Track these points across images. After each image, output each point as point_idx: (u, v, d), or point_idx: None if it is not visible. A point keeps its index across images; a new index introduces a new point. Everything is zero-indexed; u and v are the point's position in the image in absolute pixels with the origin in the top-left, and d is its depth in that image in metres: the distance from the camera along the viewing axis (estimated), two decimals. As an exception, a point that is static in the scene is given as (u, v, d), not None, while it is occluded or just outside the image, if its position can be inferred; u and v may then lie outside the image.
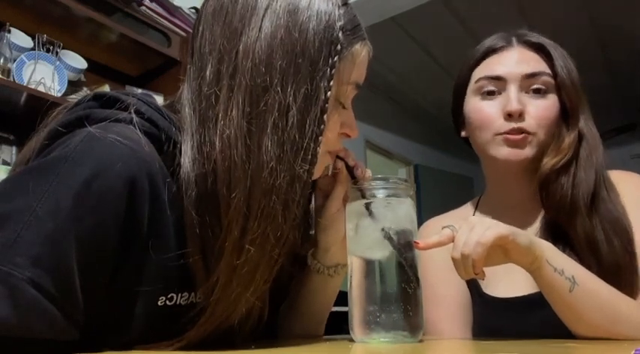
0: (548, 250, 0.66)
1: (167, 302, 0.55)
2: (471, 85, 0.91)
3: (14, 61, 1.69)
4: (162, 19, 2.12)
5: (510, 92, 0.84)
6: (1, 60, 1.68)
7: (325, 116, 0.57)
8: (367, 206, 0.62)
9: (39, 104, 1.69)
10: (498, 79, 0.86)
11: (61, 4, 1.75)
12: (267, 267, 0.55)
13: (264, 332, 0.73)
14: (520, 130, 0.83)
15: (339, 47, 0.58)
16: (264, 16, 0.56)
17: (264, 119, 0.54)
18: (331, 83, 0.57)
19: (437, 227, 0.78)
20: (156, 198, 0.53)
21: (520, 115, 0.83)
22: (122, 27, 1.93)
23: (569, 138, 0.82)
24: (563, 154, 0.81)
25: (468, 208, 1.00)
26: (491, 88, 0.87)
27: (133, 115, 0.55)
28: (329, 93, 0.57)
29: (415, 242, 0.62)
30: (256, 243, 0.53)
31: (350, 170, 0.67)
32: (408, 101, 4.81)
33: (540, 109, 0.84)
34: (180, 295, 0.56)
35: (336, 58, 0.57)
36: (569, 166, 0.81)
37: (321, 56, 0.56)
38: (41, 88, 1.71)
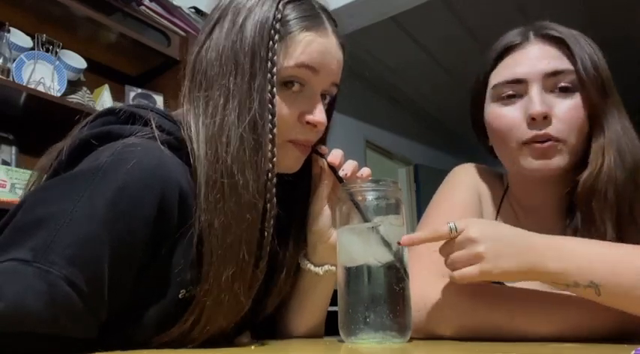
0: (551, 272, 0.59)
1: (186, 295, 0.57)
2: (489, 92, 0.82)
3: (14, 60, 1.69)
4: (161, 19, 2.12)
5: (533, 93, 0.75)
6: (1, 60, 1.68)
7: (275, 100, 0.61)
8: (356, 208, 0.62)
9: (38, 104, 1.69)
10: (518, 82, 0.77)
11: (60, 4, 1.75)
12: (250, 235, 0.57)
13: (263, 332, 0.74)
14: (546, 137, 0.74)
15: (272, 32, 0.62)
16: (215, 25, 0.66)
17: (215, 106, 0.61)
18: (274, 69, 0.61)
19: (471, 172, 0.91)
20: (183, 203, 0.57)
21: (546, 118, 0.74)
22: (122, 27, 1.93)
23: (595, 144, 0.75)
24: (593, 166, 0.74)
25: (497, 182, 0.92)
26: (510, 92, 0.78)
27: (155, 130, 0.60)
28: (269, 76, 0.61)
29: (397, 242, 0.61)
30: (230, 200, 0.57)
31: (333, 170, 0.68)
32: (409, 101, 4.82)
33: (568, 110, 0.75)
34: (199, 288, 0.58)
35: (270, 43, 0.62)
36: (598, 176, 0.73)
37: (260, 44, 0.62)
38: (41, 88, 1.71)
